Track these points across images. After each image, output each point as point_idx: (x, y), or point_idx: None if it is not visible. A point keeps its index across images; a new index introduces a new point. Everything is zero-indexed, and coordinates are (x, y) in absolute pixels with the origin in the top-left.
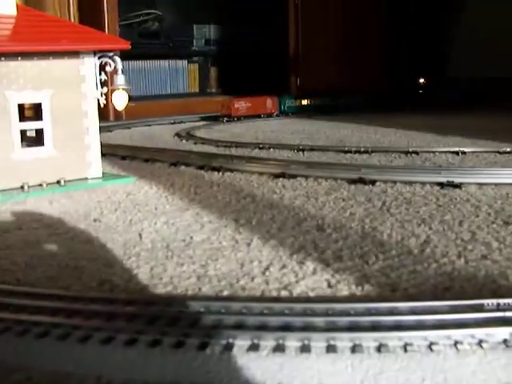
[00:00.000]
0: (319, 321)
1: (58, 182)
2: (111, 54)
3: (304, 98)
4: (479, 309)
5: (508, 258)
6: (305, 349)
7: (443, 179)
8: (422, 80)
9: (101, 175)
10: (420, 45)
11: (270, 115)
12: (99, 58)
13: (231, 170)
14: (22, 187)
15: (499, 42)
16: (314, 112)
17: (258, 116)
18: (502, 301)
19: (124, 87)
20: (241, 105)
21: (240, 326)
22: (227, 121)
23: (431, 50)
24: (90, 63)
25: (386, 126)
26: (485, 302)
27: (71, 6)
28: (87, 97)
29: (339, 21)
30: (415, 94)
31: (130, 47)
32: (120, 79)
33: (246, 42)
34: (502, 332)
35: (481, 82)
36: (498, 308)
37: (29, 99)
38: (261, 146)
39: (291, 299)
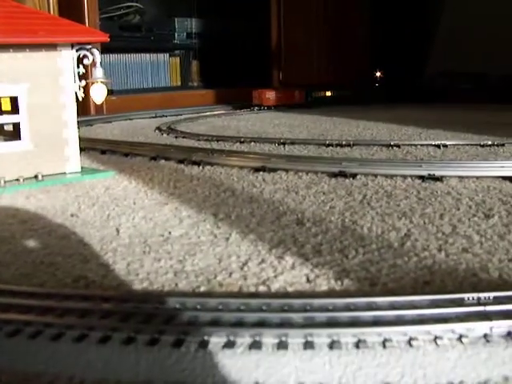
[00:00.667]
0: (297, 316)
1: (36, 176)
2: (89, 46)
3: (328, 90)
4: (460, 303)
5: (489, 252)
6: (282, 345)
7: (424, 172)
8: (378, 74)
9: (79, 170)
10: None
11: (292, 106)
12: (77, 50)
13: (211, 164)
14: None
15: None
16: (335, 103)
17: (287, 106)
18: (482, 295)
19: (102, 80)
20: (271, 95)
21: (216, 323)
22: (258, 109)
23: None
24: (68, 56)
25: (368, 119)
26: (465, 296)
27: None
28: (65, 90)
29: (322, 15)
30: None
31: (109, 40)
32: (98, 72)
33: (228, 35)
34: (483, 326)
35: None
36: (479, 302)
37: (5, 92)
38: (242, 139)
39: (269, 295)
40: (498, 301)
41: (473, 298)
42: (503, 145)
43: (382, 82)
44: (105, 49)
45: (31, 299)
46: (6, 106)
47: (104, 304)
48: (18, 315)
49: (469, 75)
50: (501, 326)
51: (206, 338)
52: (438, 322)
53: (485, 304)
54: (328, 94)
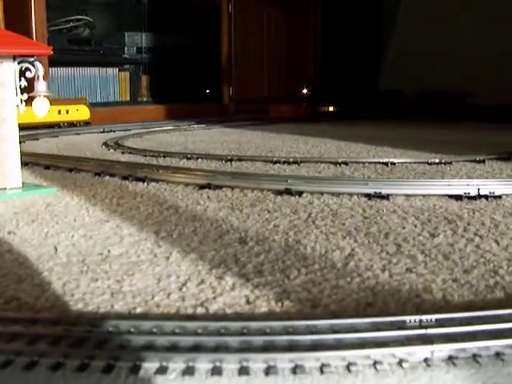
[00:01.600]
0: (233, 340)
1: None
2: (32, 59)
3: (330, 105)
4: (401, 326)
5: (433, 272)
6: (216, 371)
7: (371, 190)
8: (304, 90)
9: (20, 185)
10: (354, 57)
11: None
12: (19, 63)
13: (156, 181)
14: None
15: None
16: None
17: (292, 119)
18: (424, 317)
19: (45, 94)
20: (283, 109)
21: (149, 347)
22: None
23: (362, 63)
24: (9, 68)
25: (317, 136)
26: (407, 318)
27: None
28: (6, 103)
29: (272, 31)
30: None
31: (56, 53)
32: (41, 86)
33: (179, 50)
34: (423, 350)
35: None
36: (421, 325)
37: None
38: (189, 156)
39: (206, 317)
40: (440, 323)
41: (415, 321)
42: (450, 163)
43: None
44: (53, 62)
45: None
46: None
47: (34, 327)
48: None
49: (419, 93)
50: (442, 350)
51: (138, 363)
52: (379, 346)
53: (426, 327)
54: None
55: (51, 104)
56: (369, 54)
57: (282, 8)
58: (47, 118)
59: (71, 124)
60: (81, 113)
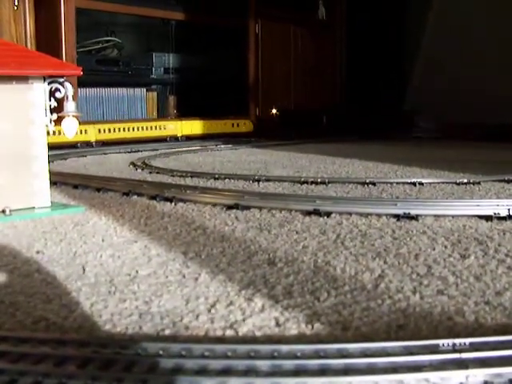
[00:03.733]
0: (263, 364)
1: (3, 211)
2: (62, 79)
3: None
4: (434, 350)
5: (464, 294)
6: None
7: (399, 211)
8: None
9: (49, 204)
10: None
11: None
12: (49, 83)
13: (184, 201)
14: None
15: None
16: None
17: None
18: (457, 341)
19: (74, 114)
20: None
21: (178, 370)
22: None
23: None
24: (40, 89)
25: (345, 156)
26: (440, 342)
27: (28, 32)
28: (35, 123)
29: (299, 51)
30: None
31: (84, 74)
32: (70, 106)
33: (206, 70)
34: (458, 375)
35: None
36: (454, 349)
37: None
38: (216, 176)
39: (236, 340)
40: (474, 347)
41: (448, 345)
42: (479, 183)
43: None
44: (81, 83)
45: None
46: None
47: (62, 348)
48: None
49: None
50: (477, 375)
51: None
52: (412, 371)
53: (460, 351)
54: None
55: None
56: (394, 76)
57: (307, 29)
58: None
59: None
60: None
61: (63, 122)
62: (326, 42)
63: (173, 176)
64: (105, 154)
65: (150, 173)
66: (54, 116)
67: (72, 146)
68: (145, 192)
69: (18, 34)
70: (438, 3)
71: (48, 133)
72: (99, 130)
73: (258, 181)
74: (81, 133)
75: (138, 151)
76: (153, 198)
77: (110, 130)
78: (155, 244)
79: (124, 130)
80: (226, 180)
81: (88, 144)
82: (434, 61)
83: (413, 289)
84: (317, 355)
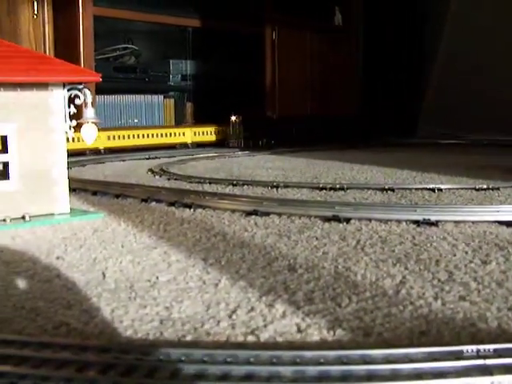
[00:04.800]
0: (286, 370)
1: (23, 217)
2: (81, 86)
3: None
4: (458, 356)
5: (487, 300)
6: None
7: (419, 217)
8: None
9: (68, 211)
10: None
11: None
12: (68, 90)
13: (203, 207)
14: None
15: None
16: None
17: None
18: (481, 347)
19: (93, 121)
20: None
21: (201, 376)
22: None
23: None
24: (59, 95)
25: (362, 162)
26: (464, 348)
27: (47, 39)
28: (55, 130)
29: (315, 58)
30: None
31: (102, 80)
32: (89, 112)
33: (223, 77)
34: (483, 381)
35: None
36: (478, 355)
37: None
38: (234, 182)
39: (258, 346)
40: (498, 353)
41: (472, 351)
42: (498, 188)
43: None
44: (99, 90)
45: (6, 348)
46: None
47: (83, 354)
48: None
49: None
50: (502, 381)
51: None
52: (436, 377)
53: (485, 357)
54: None
55: None
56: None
57: (324, 35)
58: None
59: None
60: None
61: (82, 129)
62: (342, 49)
63: (191, 182)
64: (123, 160)
65: (169, 179)
66: (74, 122)
67: (80, 153)
68: (163, 198)
69: (37, 42)
70: (456, 8)
71: (67, 139)
72: (108, 137)
73: (277, 187)
74: (113, 139)
75: (156, 158)
76: (171, 204)
77: (119, 137)
78: (175, 250)
79: (134, 137)
80: (245, 186)
81: (96, 152)
82: (450, 67)
83: (434, 295)
84: (340, 361)
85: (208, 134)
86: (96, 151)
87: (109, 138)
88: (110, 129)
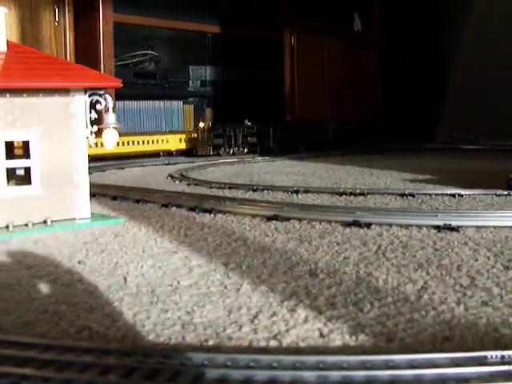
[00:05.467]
0: (309, 375)
1: (45, 221)
2: (102, 92)
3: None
4: (482, 362)
5: (510, 305)
6: None
7: (440, 222)
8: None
9: (89, 216)
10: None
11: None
12: (90, 95)
13: (223, 212)
14: (7, 226)
15: None
16: None
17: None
18: (506, 353)
19: (114, 126)
20: None
21: (224, 381)
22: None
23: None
24: (81, 101)
25: (382, 167)
26: (488, 354)
27: (68, 45)
28: (77, 135)
29: (333, 63)
30: None
31: (123, 85)
32: (110, 118)
33: (242, 83)
34: None
35: None
36: (503, 361)
37: (17, 137)
38: (254, 187)
39: (280, 350)
40: None
41: (496, 356)
42: None
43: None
44: (119, 95)
45: (30, 351)
46: (18, 151)
47: (106, 358)
48: (14, 368)
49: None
50: None
51: None
52: (460, 383)
53: (509, 363)
54: None
55: None
56: (429, 92)
57: (343, 40)
58: None
59: None
60: None
61: (104, 134)
62: (361, 55)
63: (211, 188)
64: (142, 166)
65: (188, 184)
66: (95, 128)
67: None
68: (184, 203)
69: (58, 48)
70: (477, 12)
71: (89, 144)
72: (117, 144)
73: (297, 192)
74: (96, 146)
75: (176, 163)
76: (192, 209)
77: (128, 143)
78: (196, 255)
79: (143, 143)
80: (265, 191)
81: (103, 158)
82: (470, 71)
83: (457, 300)
84: (363, 366)
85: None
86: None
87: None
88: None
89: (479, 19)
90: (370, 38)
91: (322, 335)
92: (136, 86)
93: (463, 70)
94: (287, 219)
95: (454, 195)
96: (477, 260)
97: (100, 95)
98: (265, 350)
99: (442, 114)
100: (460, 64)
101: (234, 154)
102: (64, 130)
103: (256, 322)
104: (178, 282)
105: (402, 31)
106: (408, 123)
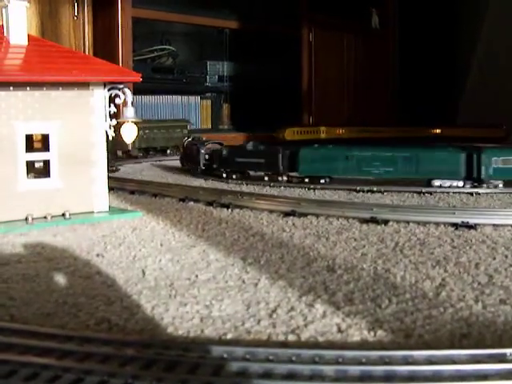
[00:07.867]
0: (328, 369)
1: (63, 214)
2: (121, 86)
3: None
4: (501, 359)
5: None
6: None
7: (458, 220)
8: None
9: (107, 209)
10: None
11: None
12: (109, 89)
13: (240, 207)
14: (26, 219)
15: None
16: None
17: None
18: None
19: (133, 120)
20: None
21: (243, 374)
22: None
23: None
24: (100, 95)
25: None
26: (507, 351)
27: (86, 40)
28: (96, 129)
29: (352, 59)
30: None
31: (141, 80)
32: (129, 112)
33: (260, 78)
34: None
35: None
36: None
37: (36, 130)
38: (271, 183)
39: (299, 345)
40: None
41: None
42: None
43: None
44: (137, 90)
45: (50, 341)
46: (38, 143)
47: (125, 349)
48: (35, 358)
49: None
50: None
51: None
52: (480, 380)
53: None
54: None
55: None
56: (447, 86)
57: (361, 37)
58: None
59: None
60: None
61: (123, 128)
62: (379, 52)
63: (228, 183)
64: (159, 160)
65: (205, 179)
66: (114, 122)
67: None
68: (201, 198)
69: (77, 43)
70: (496, 7)
71: (107, 138)
72: None
73: (314, 188)
74: None
75: None
76: (209, 204)
77: None
78: (213, 249)
79: None
80: (282, 187)
81: None
82: (488, 67)
83: (475, 298)
84: (382, 362)
85: None
86: None
87: None
88: None
89: (498, 16)
90: (387, 35)
91: (340, 330)
92: (154, 80)
93: (480, 68)
94: (305, 215)
95: (471, 193)
96: (495, 258)
97: (119, 89)
98: (284, 344)
99: (460, 110)
100: (477, 62)
101: None
102: (83, 124)
103: (274, 316)
104: (196, 276)
105: (419, 27)
106: (426, 120)
